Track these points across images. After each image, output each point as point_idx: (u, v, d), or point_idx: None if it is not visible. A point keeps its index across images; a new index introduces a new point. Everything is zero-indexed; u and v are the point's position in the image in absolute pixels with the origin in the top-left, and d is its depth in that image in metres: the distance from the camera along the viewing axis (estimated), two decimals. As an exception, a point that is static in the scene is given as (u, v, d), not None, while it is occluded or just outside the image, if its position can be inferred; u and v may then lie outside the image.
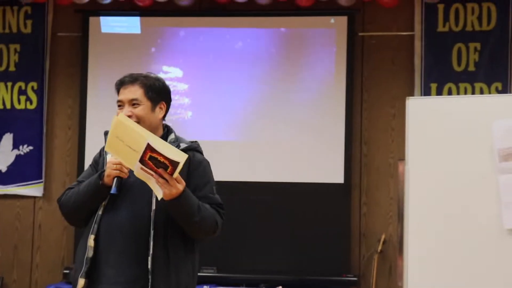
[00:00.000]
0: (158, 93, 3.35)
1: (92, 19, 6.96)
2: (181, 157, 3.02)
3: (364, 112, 6.78)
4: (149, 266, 3.15)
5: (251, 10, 6.82)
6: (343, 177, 6.64)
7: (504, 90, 6.46)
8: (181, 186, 3.08)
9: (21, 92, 6.96)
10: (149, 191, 3.15)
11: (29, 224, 6.97)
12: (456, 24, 6.63)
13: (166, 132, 3.38)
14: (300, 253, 6.58)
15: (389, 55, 6.78)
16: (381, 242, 6.43)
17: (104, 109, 6.39)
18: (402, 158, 4.54)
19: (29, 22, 7.00)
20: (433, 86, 6.60)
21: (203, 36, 6.91)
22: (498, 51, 6.55)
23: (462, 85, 6.58)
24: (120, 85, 3.35)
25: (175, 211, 3.15)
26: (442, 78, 6.60)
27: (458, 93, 6.53)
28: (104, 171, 3.22)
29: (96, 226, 3.24)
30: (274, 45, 6.87)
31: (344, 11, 6.73)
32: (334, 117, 6.71)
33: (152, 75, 3.44)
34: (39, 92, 6.95)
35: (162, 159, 3.01)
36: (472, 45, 6.60)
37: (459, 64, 6.61)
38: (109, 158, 3.23)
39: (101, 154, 3.38)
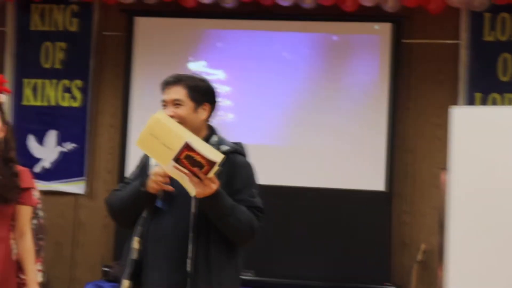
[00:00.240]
0: (202, 94, 3.36)
1: (137, 19, 7.01)
2: (218, 157, 3.03)
3: (408, 120, 6.73)
4: (188, 269, 3.16)
5: (296, 14, 6.82)
6: (384, 185, 6.60)
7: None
8: (214, 185, 3.09)
9: (66, 89, 7.05)
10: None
11: (71, 221, 7.04)
12: (503, 34, 6.57)
13: (210, 133, 3.39)
14: (340, 260, 6.55)
15: (434, 64, 6.73)
16: (421, 252, 6.38)
17: (148, 109, 6.36)
18: (445, 167, 4.50)
19: (75, 21, 7.07)
20: (478, 95, 6.53)
21: (246, 39, 6.93)
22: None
23: (507, 96, 6.51)
24: (165, 85, 3.37)
25: (208, 210, 3.17)
26: (487, 88, 6.53)
27: (503, 104, 6.47)
28: (146, 178, 3.25)
29: (140, 228, 3.28)
30: (317, 50, 6.86)
31: (389, 17, 6.70)
32: (376, 124, 6.67)
33: (197, 76, 3.46)
34: (83, 90, 7.03)
35: (199, 158, 3.02)
36: (518, 55, 6.55)
37: (504, 74, 6.54)
38: (154, 163, 3.24)
39: (147, 156, 3.40)
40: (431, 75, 6.73)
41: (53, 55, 7.08)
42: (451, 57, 6.68)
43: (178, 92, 3.32)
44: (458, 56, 6.63)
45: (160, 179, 3.16)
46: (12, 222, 3.71)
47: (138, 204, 3.28)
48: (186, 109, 3.31)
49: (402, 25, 6.74)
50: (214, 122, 3.44)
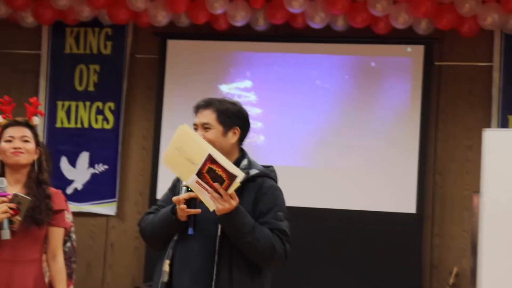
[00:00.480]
0: (232, 118, 3.37)
1: (170, 42, 7.07)
2: (239, 173, 3.07)
3: (439, 142, 6.70)
4: (212, 290, 3.18)
5: (327, 37, 6.83)
6: (415, 207, 6.56)
7: None
8: (234, 202, 3.13)
9: (99, 111, 7.11)
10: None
11: (102, 242, 7.08)
12: (536, 56, 6.53)
13: (240, 157, 3.40)
14: (371, 283, 6.51)
15: (466, 86, 6.70)
16: (453, 275, 6.32)
17: (179, 131, 6.45)
18: (477, 190, 4.47)
19: (109, 44, 7.15)
20: (511, 118, 6.48)
21: (278, 62, 6.94)
22: None
23: (540, 118, 6.47)
24: (196, 109, 3.41)
25: (227, 227, 3.19)
26: (520, 110, 6.49)
27: (536, 126, 6.41)
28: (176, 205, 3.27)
29: (171, 251, 3.32)
30: (349, 72, 6.86)
31: (421, 40, 6.69)
32: (407, 146, 6.64)
33: (228, 99, 3.47)
34: (116, 112, 7.09)
35: (220, 172, 3.07)
36: (551, 78, 6.49)
37: (538, 96, 6.50)
38: (183, 184, 3.27)
39: (179, 178, 3.42)
40: (462, 97, 6.70)
41: (87, 77, 7.15)
42: (483, 79, 6.65)
43: (208, 116, 3.35)
44: (490, 79, 6.59)
45: (182, 206, 3.19)
46: (44, 244, 3.74)
47: (169, 231, 3.33)
48: (215, 132, 3.33)
49: (434, 47, 6.72)
50: (245, 144, 3.45)
